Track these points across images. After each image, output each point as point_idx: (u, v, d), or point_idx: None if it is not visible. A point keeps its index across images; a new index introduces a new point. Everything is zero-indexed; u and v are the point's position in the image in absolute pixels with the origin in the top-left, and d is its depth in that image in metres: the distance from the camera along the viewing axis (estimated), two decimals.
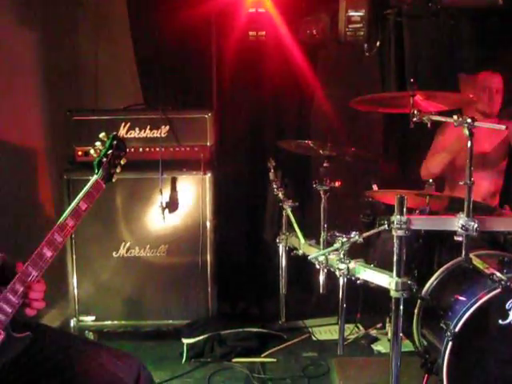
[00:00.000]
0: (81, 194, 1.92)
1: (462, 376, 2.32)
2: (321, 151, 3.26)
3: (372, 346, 3.45)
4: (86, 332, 3.48)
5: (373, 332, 3.58)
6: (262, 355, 3.35)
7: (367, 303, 3.37)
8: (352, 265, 2.76)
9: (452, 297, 2.50)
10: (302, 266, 3.63)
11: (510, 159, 3.70)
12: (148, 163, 3.38)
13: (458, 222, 2.41)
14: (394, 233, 2.43)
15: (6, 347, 1.69)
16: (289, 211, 3.54)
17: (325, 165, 3.23)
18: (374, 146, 4.35)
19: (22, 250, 1.85)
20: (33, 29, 3.70)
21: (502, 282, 2.29)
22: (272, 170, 3.62)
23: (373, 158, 3.97)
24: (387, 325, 3.39)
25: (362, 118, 4.02)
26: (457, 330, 2.28)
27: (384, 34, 4.17)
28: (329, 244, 3.03)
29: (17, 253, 1.86)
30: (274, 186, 3.61)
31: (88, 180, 1.98)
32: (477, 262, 2.51)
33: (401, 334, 2.48)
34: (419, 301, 2.61)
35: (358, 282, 2.77)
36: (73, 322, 3.46)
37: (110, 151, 2.06)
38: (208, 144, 3.48)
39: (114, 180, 2.08)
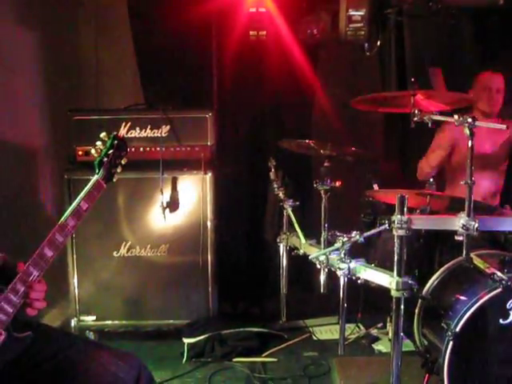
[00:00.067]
0: (82, 194, 1.92)
1: (462, 376, 2.32)
2: (321, 151, 3.26)
3: (373, 345, 3.45)
4: (87, 332, 3.48)
5: (373, 332, 3.58)
6: (263, 355, 3.35)
7: (368, 303, 3.37)
8: (353, 264, 2.77)
9: (453, 296, 2.51)
10: (302, 266, 3.63)
11: (511, 160, 3.69)
12: (149, 163, 3.38)
13: (458, 222, 2.41)
14: (394, 232, 2.44)
15: (6, 347, 1.69)
16: (289, 211, 3.54)
17: (325, 164, 3.23)
18: (374, 146, 4.35)
19: (23, 250, 1.86)
20: (33, 29, 3.70)
21: (503, 282, 2.29)
22: (273, 170, 3.62)
23: (373, 157, 3.97)
24: (388, 324, 3.39)
25: (363, 118, 4.02)
26: (458, 329, 2.27)
27: (384, 33, 4.17)
28: (329, 244, 3.03)
29: (18, 253, 1.87)
30: (275, 185, 3.62)
31: (89, 180, 1.98)
32: (478, 262, 2.51)
33: (401, 334, 2.48)
34: (420, 300, 2.61)
35: (359, 281, 2.77)
36: (73, 322, 3.46)
37: (111, 151, 2.06)
38: (209, 144, 3.48)
39: (114, 180, 2.08)
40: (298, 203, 3.55)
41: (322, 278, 2.97)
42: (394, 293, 2.45)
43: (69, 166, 3.44)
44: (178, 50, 4.04)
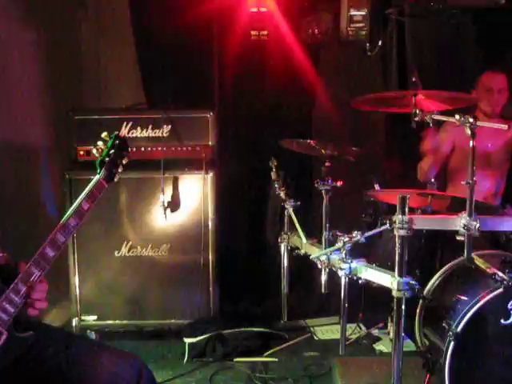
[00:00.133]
0: (83, 194, 1.92)
1: (463, 376, 2.32)
2: (323, 151, 3.26)
3: (374, 345, 3.45)
4: (88, 331, 3.48)
5: (375, 332, 3.57)
6: (264, 355, 3.35)
7: (369, 303, 3.37)
8: (354, 264, 2.77)
9: (454, 296, 2.51)
10: (303, 266, 3.62)
11: None
12: (150, 163, 3.39)
13: (460, 222, 2.41)
14: (395, 232, 2.43)
15: (8, 347, 1.69)
16: (291, 211, 3.54)
17: (327, 164, 3.23)
18: (375, 146, 4.35)
19: (25, 250, 1.86)
20: (35, 29, 3.69)
21: (504, 282, 2.29)
22: (274, 170, 3.62)
23: (375, 157, 3.96)
24: (389, 324, 3.39)
25: (364, 118, 4.02)
26: (459, 329, 2.27)
27: (386, 33, 4.17)
28: (331, 243, 3.04)
29: (19, 252, 1.87)
30: (276, 185, 3.61)
31: (90, 179, 1.98)
32: (479, 262, 2.51)
33: (403, 334, 2.48)
34: (421, 300, 2.61)
35: (360, 281, 2.77)
36: (75, 322, 3.47)
37: (112, 151, 2.06)
38: (210, 143, 3.49)
39: (116, 180, 2.07)
40: (299, 203, 3.55)
41: (323, 277, 2.97)
42: (395, 293, 2.45)
43: (70, 165, 3.45)
44: (179, 49, 4.04)
